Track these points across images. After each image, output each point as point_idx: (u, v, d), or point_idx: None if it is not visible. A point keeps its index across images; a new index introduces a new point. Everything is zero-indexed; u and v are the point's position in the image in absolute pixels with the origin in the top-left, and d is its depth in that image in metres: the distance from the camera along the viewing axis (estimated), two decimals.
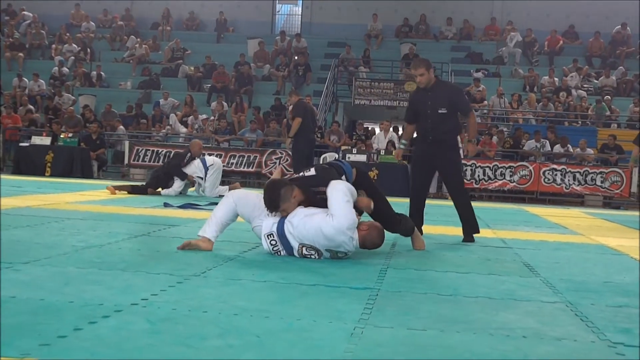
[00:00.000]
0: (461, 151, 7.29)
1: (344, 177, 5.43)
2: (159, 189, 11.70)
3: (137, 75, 23.92)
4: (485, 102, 21.19)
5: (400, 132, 20.50)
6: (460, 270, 4.92)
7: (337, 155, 17.14)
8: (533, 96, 21.44)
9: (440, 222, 8.75)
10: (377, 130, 19.59)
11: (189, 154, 11.89)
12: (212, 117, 19.79)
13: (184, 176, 11.73)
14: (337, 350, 2.68)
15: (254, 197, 5.33)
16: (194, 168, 11.77)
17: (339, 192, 4.99)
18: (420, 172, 7.08)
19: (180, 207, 9.21)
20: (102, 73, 23.64)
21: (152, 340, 2.70)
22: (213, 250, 5.24)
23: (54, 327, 2.79)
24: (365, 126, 20.80)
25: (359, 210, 5.29)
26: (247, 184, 17.38)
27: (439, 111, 6.85)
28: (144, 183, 12.21)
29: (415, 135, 7.33)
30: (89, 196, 10.44)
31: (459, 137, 7.11)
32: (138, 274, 4.17)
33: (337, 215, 4.90)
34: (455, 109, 6.92)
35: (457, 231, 7.12)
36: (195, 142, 12.35)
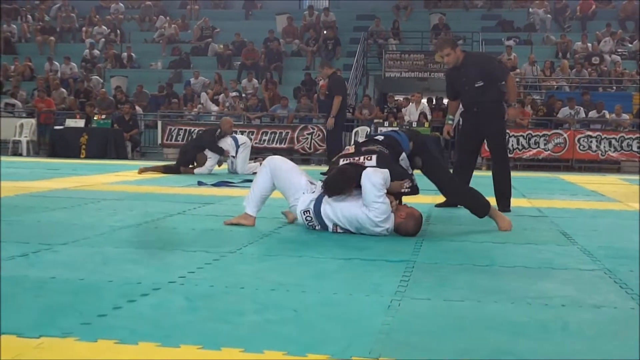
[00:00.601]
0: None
1: (403, 154, 5.27)
2: (191, 167, 11.73)
3: (167, 55, 23.98)
4: (518, 70, 20.93)
5: (433, 103, 20.39)
6: (496, 241, 4.89)
7: (368, 130, 17.10)
8: (566, 63, 21.14)
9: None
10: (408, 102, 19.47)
11: (219, 131, 11.88)
12: (241, 94, 19.81)
13: (220, 151, 11.72)
14: (374, 323, 2.68)
15: (290, 169, 5.27)
16: (226, 145, 11.79)
17: (372, 186, 4.80)
18: (468, 142, 7.06)
19: (214, 185, 9.26)
20: (132, 54, 23.74)
21: (190, 317, 2.73)
22: (255, 226, 5.28)
23: (94, 306, 2.83)
24: (396, 99, 20.68)
25: (396, 195, 5.11)
26: None
27: (476, 85, 6.80)
28: (174, 162, 12.24)
29: (461, 108, 7.28)
30: (124, 176, 10.53)
31: (505, 106, 7.04)
32: (175, 252, 4.21)
33: (372, 208, 4.83)
34: (491, 79, 6.85)
35: (492, 202, 7.06)
36: (225, 120, 12.33)
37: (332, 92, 12.12)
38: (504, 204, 6.80)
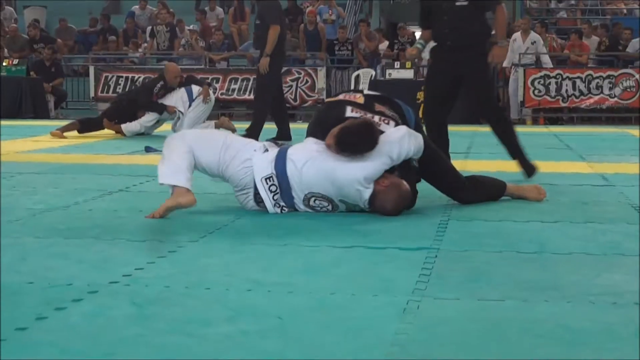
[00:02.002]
0: None
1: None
2: (118, 123, 11.65)
3: None
4: None
5: None
6: (546, 219, 4.91)
7: (373, 73, 17.06)
8: None
9: (495, 155, 8.72)
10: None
11: (160, 83, 11.75)
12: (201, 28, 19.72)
13: (160, 108, 11.68)
14: (386, 331, 2.69)
15: (216, 135, 5.22)
16: (175, 99, 11.66)
17: (400, 147, 4.89)
18: (437, 84, 6.99)
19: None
20: None
21: (139, 329, 2.73)
22: (216, 205, 5.27)
23: (9, 317, 2.82)
24: (411, 30, 20.61)
25: None
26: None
27: (457, 3, 6.76)
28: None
29: (432, 42, 7.20)
30: (46, 142, 10.50)
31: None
32: (117, 242, 4.21)
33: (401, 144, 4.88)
34: (478, 2, 6.82)
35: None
36: (170, 67, 12.05)
37: (265, 20, 11.30)
38: (526, 166, 6.80)
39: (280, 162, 4.92)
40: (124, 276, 3.44)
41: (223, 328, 2.75)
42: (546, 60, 17.01)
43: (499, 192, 5.70)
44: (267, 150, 5.03)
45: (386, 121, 5.08)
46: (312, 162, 4.90)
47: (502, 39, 7.11)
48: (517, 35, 16.90)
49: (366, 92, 5.47)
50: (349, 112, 5.11)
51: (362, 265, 3.74)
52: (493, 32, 7.00)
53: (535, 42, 16.83)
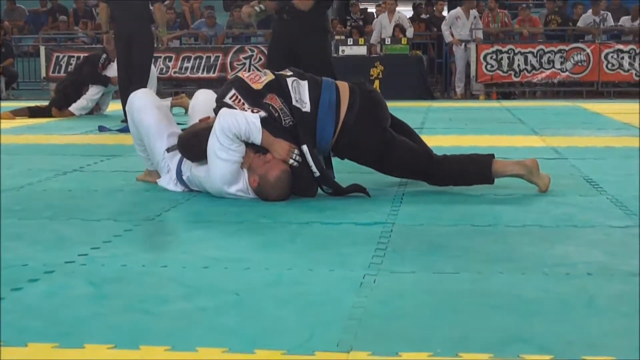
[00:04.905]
0: None
1: (323, 95, 4.81)
2: (68, 110, 11.56)
3: None
4: None
5: (410, 13, 20.33)
6: (500, 193, 4.94)
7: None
8: None
9: (449, 129, 8.78)
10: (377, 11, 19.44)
11: (104, 56, 11.66)
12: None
13: (104, 80, 11.58)
14: (343, 305, 2.71)
15: (151, 121, 5.05)
16: (115, 72, 11.52)
17: (220, 131, 4.52)
18: (278, 58, 6.44)
19: (121, 130, 9.18)
20: None
21: (96, 308, 2.73)
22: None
23: None
24: (362, 7, 20.63)
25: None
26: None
27: None
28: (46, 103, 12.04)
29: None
30: None
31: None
32: (72, 222, 4.19)
33: (211, 164, 4.64)
34: None
35: (476, 140, 7.14)
36: (109, 38, 11.99)
37: None
38: None
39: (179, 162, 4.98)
40: (79, 255, 3.43)
41: (180, 305, 2.75)
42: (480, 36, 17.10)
43: (480, 167, 4.91)
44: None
45: (256, 111, 4.64)
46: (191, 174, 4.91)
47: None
48: (458, 11, 16.98)
49: (289, 71, 4.97)
50: (228, 97, 4.74)
51: (318, 240, 3.75)
52: None
53: (475, 17, 16.92)
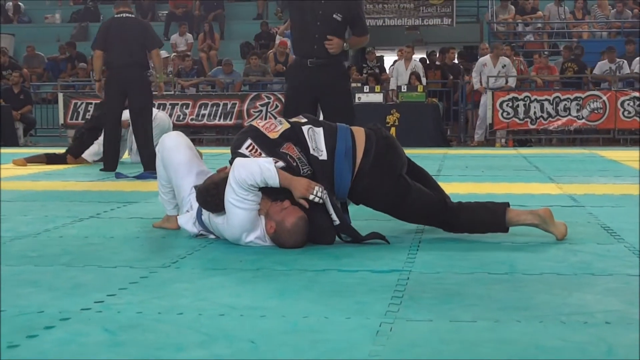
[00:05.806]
0: None
1: (339, 143, 4.79)
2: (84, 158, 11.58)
3: (67, 5, 23.79)
4: (540, 12, 21.08)
5: (425, 60, 20.39)
6: (516, 241, 4.93)
7: None
8: (605, 1, 21.27)
9: (466, 176, 8.77)
10: (395, 59, 19.52)
11: None
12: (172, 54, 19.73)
13: None
14: (359, 354, 2.70)
15: (182, 161, 5.11)
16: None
17: (235, 183, 4.52)
18: (297, 105, 6.48)
19: (137, 177, 9.22)
20: (20, 3, 23.52)
21: (112, 355, 2.72)
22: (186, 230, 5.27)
23: None
24: (378, 55, 20.72)
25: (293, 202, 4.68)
26: (224, 141, 17.36)
27: (334, 16, 6.57)
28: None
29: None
30: (15, 170, 10.44)
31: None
32: (88, 269, 4.19)
33: (228, 214, 4.67)
34: (353, 19, 6.70)
35: (493, 188, 7.12)
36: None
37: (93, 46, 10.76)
38: None
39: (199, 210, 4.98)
40: (95, 303, 3.42)
41: (196, 353, 2.74)
42: (513, 83, 17.17)
43: (494, 216, 4.92)
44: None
45: (274, 161, 4.58)
46: (210, 220, 4.91)
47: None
48: (486, 59, 17.06)
49: (304, 118, 4.96)
50: (245, 147, 4.74)
51: (335, 288, 3.73)
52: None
53: (505, 65, 16.98)
